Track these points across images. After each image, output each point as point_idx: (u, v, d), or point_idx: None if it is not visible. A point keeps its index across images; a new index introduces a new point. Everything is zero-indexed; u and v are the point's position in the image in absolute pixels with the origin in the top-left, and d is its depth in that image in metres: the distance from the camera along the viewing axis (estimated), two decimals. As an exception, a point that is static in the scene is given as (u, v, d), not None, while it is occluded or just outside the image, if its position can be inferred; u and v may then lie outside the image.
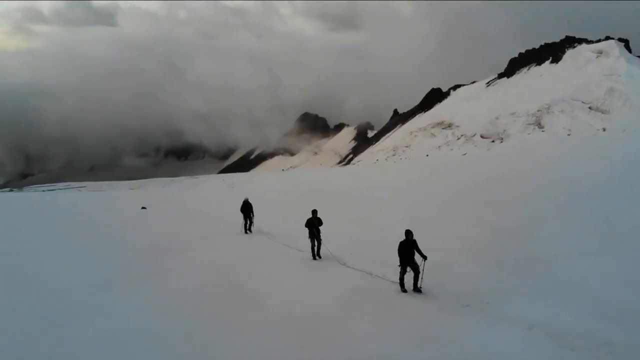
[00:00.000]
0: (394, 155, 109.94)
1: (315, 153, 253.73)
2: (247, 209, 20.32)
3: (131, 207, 33.73)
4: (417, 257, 11.37)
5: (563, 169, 33.09)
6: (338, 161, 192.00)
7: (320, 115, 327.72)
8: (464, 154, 77.09)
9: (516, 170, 36.47)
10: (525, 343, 8.04)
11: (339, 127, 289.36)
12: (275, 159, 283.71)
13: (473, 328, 8.76)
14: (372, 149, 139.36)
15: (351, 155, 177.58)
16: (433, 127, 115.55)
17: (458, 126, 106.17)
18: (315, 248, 15.22)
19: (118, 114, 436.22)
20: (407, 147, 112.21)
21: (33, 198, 52.20)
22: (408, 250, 11.41)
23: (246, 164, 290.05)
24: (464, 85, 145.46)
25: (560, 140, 66.87)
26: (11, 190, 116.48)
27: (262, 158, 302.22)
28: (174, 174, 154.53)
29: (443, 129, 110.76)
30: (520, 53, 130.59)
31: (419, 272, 11.38)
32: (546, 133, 78.36)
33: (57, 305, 10.47)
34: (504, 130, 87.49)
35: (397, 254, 11.59)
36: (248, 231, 20.28)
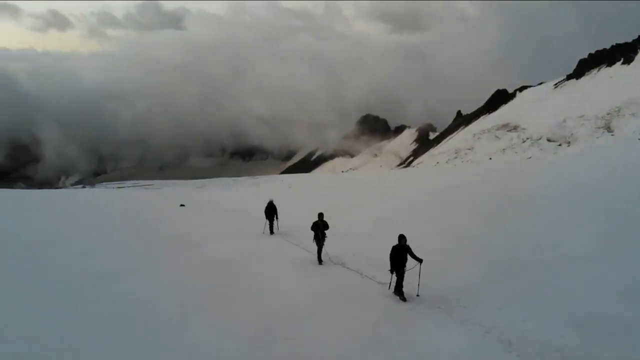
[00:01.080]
0: (455, 157, 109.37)
1: (376, 155, 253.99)
2: (271, 211, 20.40)
3: (174, 204, 35.40)
4: (410, 263, 11.27)
5: (621, 175, 31.56)
6: (398, 163, 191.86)
7: (381, 116, 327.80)
8: (529, 158, 76.46)
9: (572, 174, 35.35)
10: (474, 347, 8.39)
11: (400, 128, 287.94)
12: (336, 160, 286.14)
13: (432, 329, 9.20)
14: (433, 151, 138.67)
15: (412, 157, 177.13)
16: (497, 129, 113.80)
17: (524, 129, 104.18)
18: (320, 252, 15.18)
19: (186, 115, 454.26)
20: (469, 149, 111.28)
21: (93, 194, 56.90)
22: (401, 255, 11.22)
23: (307, 165, 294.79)
24: (530, 86, 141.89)
25: (630, 145, 65.27)
26: (84, 187, 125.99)
27: (322, 159, 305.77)
28: (238, 173, 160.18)
29: (508, 131, 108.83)
30: (590, 54, 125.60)
31: (402, 279, 11.25)
32: (616, 137, 76.22)
33: (52, 291, 11.84)
34: (572, 134, 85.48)
35: (393, 260, 11.32)
36: (271, 232, 20.37)
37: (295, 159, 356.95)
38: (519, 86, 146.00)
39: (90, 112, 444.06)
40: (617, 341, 8.19)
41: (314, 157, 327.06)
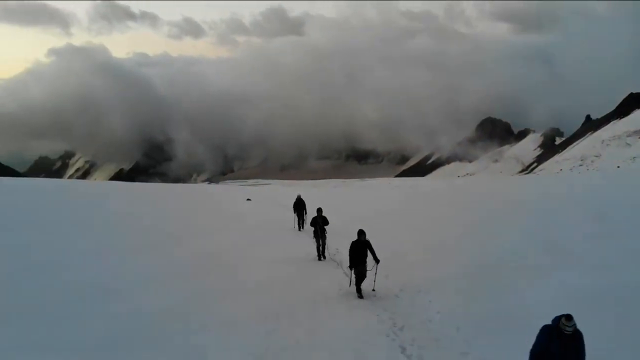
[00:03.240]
0: (581, 165, 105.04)
1: (496, 160, 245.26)
2: (299, 207, 20.62)
3: (252, 198, 36.69)
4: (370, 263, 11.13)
5: None
6: (520, 169, 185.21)
7: (504, 120, 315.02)
8: (661, 167, 72.61)
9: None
10: (365, 329, 9.15)
11: (523, 133, 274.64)
12: (452, 165, 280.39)
13: (342, 313, 10.07)
14: (557, 158, 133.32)
15: (535, 164, 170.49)
16: (629, 135, 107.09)
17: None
18: (320, 247, 15.16)
19: (304, 118, 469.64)
20: (596, 156, 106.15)
21: (205, 188, 61.22)
22: (360, 251, 10.98)
23: (422, 169, 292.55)
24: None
25: None
26: (209, 183, 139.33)
27: (438, 164, 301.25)
28: (353, 176, 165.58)
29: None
30: None
31: (364, 277, 11.14)
32: None
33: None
34: None
35: (352, 256, 11.11)
36: (300, 228, 20.59)
37: (411, 162, 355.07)
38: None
39: (217, 115, 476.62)
40: (513, 340, 7.71)
41: (429, 162, 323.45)
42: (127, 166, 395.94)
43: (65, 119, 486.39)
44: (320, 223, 15.29)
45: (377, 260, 10.95)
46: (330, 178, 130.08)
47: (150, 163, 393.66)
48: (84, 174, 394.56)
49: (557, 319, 6.04)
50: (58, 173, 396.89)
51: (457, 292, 11.10)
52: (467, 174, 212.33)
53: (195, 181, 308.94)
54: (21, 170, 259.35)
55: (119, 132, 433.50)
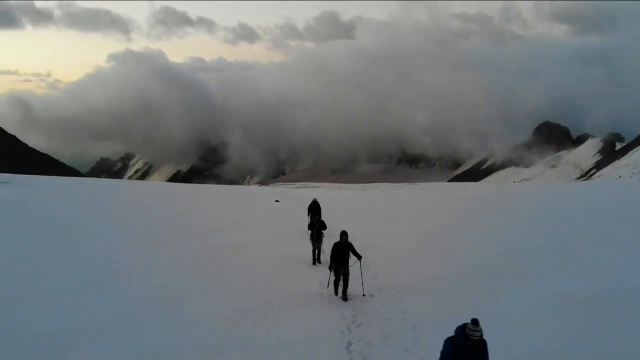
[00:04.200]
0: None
1: (553, 166, 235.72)
2: (313, 210, 20.54)
3: (284, 199, 36.43)
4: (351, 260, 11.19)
5: None
6: (578, 176, 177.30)
7: (562, 124, 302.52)
8: None
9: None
10: (322, 322, 9.63)
11: (582, 138, 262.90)
12: (507, 170, 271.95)
13: (308, 309, 10.42)
14: (617, 164, 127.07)
15: (594, 170, 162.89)
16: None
17: None
18: (316, 252, 14.85)
19: (355, 122, 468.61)
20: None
21: (248, 190, 62.34)
22: (342, 252, 10.95)
23: (476, 174, 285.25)
24: None
25: None
26: (261, 185, 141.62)
27: (493, 169, 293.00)
28: (404, 180, 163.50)
29: None
30: None
31: (348, 280, 11.10)
32: None
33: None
34: None
35: (333, 257, 11.09)
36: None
37: (464, 167, 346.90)
38: None
39: (270, 118, 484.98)
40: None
41: (483, 167, 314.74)
42: (184, 168, 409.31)
43: (124, 121, 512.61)
44: (317, 226, 15.08)
45: (359, 257, 11.00)
46: (380, 182, 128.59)
47: (205, 165, 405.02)
48: (143, 175, 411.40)
49: (462, 327, 5.92)
50: (118, 174, 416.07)
51: (437, 293, 11.06)
52: (523, 179, 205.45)
53: (248, 183, 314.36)
54: (83, 171, 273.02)
55: (176, 135, 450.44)
